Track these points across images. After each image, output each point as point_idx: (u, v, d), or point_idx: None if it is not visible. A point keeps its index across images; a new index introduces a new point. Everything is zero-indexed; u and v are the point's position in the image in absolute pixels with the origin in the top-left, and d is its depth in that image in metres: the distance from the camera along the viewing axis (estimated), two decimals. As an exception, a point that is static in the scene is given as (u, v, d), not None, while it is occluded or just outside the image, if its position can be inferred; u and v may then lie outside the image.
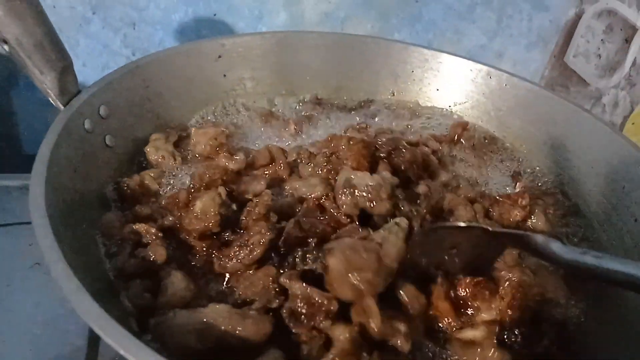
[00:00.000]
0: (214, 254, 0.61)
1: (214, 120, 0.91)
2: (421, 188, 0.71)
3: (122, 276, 0.59)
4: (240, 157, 0.73)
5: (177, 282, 0.56)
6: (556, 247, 0.54)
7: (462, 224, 0.63)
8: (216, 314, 0.50)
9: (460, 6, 1.29)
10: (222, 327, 0.50)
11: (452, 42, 1.32)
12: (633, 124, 1.13)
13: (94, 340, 0.76)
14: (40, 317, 0.78)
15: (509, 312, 0.59)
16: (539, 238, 0.56)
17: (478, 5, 1.30)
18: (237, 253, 0.59)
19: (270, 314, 0.53)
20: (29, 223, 0.93)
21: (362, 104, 1.01)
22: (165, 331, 0.50)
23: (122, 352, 0.42)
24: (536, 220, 0.74)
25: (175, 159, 0.77)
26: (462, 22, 1.32)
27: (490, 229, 0.60)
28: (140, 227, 0.62)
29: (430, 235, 0.63)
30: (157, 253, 0.60)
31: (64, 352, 0.75)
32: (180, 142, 0.82)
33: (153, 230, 0.62)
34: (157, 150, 0.77)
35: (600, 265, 0.49)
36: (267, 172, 0.75)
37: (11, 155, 1.23)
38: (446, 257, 0.62)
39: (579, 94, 1.28)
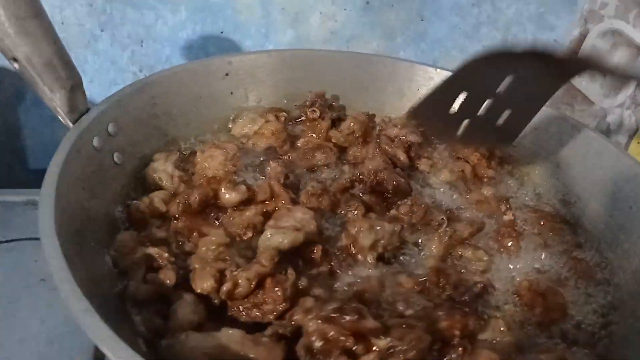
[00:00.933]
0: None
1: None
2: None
3: (134, 301, 0.59)
4: (242, 188, 0.72)
5: (186, 306, 0.55)
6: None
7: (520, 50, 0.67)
8: (229, 339, 0.50)
9: (465, 25, 1.30)
10: (235, 353, 0.50)
11: (458, 61, 1.30)
12: (639, 143, 1.13)
13: (99, 358, 0.76)
14: (45, 334, 0.78)
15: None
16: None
17: (483, 24, 1.30)
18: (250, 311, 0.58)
19: (283, 341, 0.53)
20: (35, 239, 0.94)
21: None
22: (177, 354, 0.50)
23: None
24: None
25: (173, 180, 0.76)
26: (467, 41, 1.33)
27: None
28: (154, 251, 0.62)
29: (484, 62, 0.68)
30: (167, 276, 0.60)
31: (68, 371, 0.75)
32: (185, 161, 0.81)
33: (166, 255, 0.62)
34: (155, 171, 0.76)
35: None
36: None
37: (18, 170, 1.23)
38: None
39: (584, 112, 1.28)
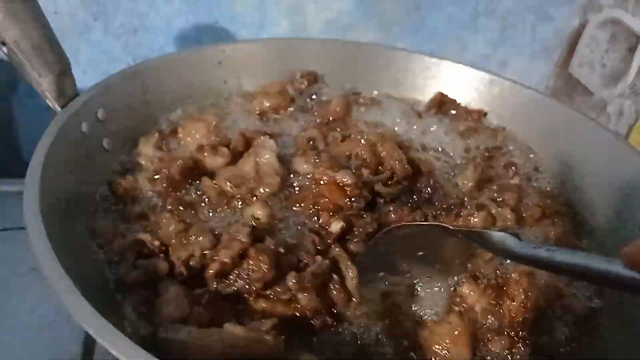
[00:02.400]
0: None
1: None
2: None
3: (122, 285, 0.58)
4: (223, 152, 0.73)
5: (170, 302, 0.55)
6: (511, 242, 0.55)
7: (423, 223, 0.66)
8: (232, 336, 0.50)
9: (463, 16, 1.29)
10: (239, 349, 0.50)
11: (455, 51, 1.32)
12: (639, 132, 1.12)
13: (89, 346, 0.75)
14: (35, 322, 0.78)
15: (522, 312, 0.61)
16: (495, 235, 0.57)
17: (481, 14, 1.29)
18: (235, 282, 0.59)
19: (283, 336, 0.53)
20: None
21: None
22: (179, 350, 0.50)
23: (114, 352, 0.41)
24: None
25: (152, 161, 0.75)
26: (465, 32, 1.32)
27: (449, 226, 0.61)
28: (145, 237, 0.62)
29: (392, 236, 0.64)
30: (160, 266, 0.59)
31: (59, 357, 0.74)
32: (166, 139, 0.80)
33: (157, 243, 0.61)
34: (138, 155, 0.76)
35: (553, 258, 0.50)
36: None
37: (11, 161, 1.23)
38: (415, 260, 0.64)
39: (584, 103, 1.27)
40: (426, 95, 1.01)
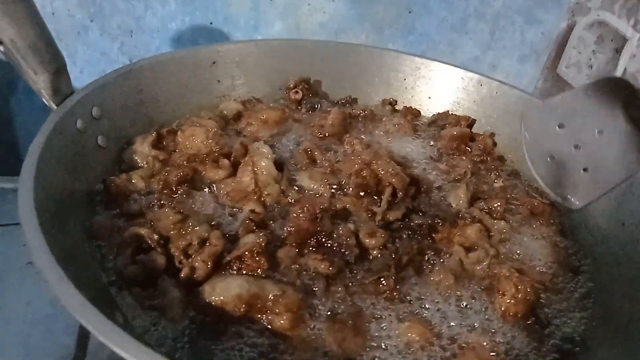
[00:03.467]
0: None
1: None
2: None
3: (118, 279, 0.60)
4: (224, 164, 0.74)
5: (174, 308, 0.57)
6: None
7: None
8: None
9: (453, 18, 1.31)
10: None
11: (446, 54, 1.34)
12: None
13: (83, 339, 0.76)
14: (30, 315, 0.79)
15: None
16: None
17: (471, 17, 1.31)
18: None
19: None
20: (23, 224, 0.94)
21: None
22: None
23: (104, 341, 0.43)
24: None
25: (148, 160, 0.77)
26: (455, 35, 1.34)
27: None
28: (145, 232, 0.63)
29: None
30: (158, 261, 0.61)
31: (53, 351, 0.75)
32: (162, 140, 0.82)
33: (156, 237, 0.62)
34: (133, 153, 0.77)
35: None
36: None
37: (9, 159, 1.24)
38: None
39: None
40: (416, 95, 1.03)
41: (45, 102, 0.69)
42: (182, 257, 0.61)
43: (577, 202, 0.76)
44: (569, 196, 0.77)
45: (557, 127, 0.78)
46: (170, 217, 0.64)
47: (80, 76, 0.71)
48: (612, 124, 0.74)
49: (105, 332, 0.43)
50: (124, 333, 0.43)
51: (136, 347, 0.42)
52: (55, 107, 0.69)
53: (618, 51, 1.15)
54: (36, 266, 0.48)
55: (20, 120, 1.23)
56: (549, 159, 0.79)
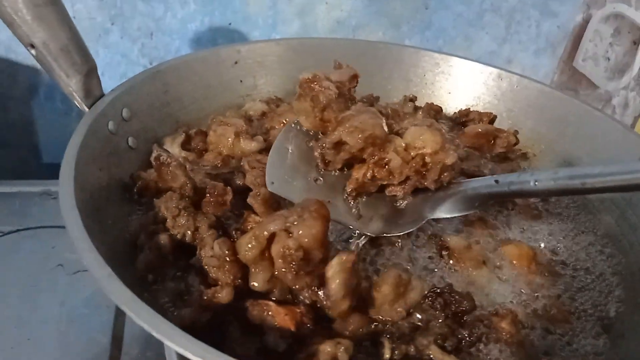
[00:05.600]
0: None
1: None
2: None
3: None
4: (259, 138, 0.76)
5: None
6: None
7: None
8: None
9: (469, 13, 1.31)
10: None
11: (462, 48, 1.34)
12: (644, 124, 1.14)
13: (117, 337, 0.78)
14: (65, 316, 0.80)
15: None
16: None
17: (487, 12, 1.32)
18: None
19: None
20: (51, 227, 0.96)
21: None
22: None
23: (154, 333, 0.43)
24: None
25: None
26: (471, 29, 1.34)
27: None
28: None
29: None
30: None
31: (88, 349, 0.77)
32: (192, 140, 0.83)
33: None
34: (163, 153, 0.78)
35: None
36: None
37: (33, 163, 1.26)
38: None
39: (589, 97, 1.29)
40: (436, 91, 1.03)
41: (77, 104, 0.70)
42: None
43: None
44: None
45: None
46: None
47: (102, 79, 0.72)
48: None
49: (157, 326, 0.44)
50: (176, 327, 0.43)
51: (191, 341, 0.42)
52: (87, 109, 0.70)
53: (636, 43, 1.16)
54: (86, 267, 0.49)
55: (41, 124, 1.24)
56: None
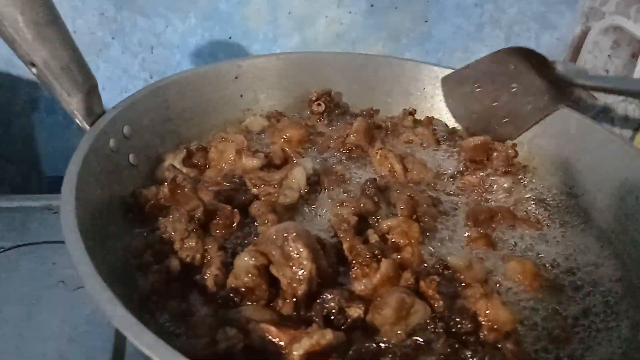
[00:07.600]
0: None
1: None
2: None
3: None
4: (260, 155, 0.77)
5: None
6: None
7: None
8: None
9: (469, 26, 1.32)
10: None
11: (462, 60, 1.34)
12: (644, 136, 1.14)
13: (118, 355, 0.77)
14: (66, 333, 0.80)
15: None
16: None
17: (486, 24, 1.32)
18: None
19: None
20: (52, 242, 0.96)
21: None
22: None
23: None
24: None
25: None
26: (471, 41, 1.34)
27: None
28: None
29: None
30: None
31: (89, 367, 0.76)
32: (193, 156, 0.83)
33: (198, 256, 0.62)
34: (165, 170, 0.78)
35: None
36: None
37: (34, 177, 1.26)
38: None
39: (588, 108, 1.29)
40: (435, 104, 1.03)
41: (78, 122, 0.70)
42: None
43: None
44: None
45: (474, 90, 0.98)
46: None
47: (102, 93, 0.72)
48: (524, 82, 0.94)
49: (158, 351, 0.44)
50: (179, 354, 0.43)
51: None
52: (88, 127, 0.70)
53: (635, 55, 1.15)
54: (87, 290, 0.48)
55: (42, 139, 1.24)
56: (473, 116, 0.98)
